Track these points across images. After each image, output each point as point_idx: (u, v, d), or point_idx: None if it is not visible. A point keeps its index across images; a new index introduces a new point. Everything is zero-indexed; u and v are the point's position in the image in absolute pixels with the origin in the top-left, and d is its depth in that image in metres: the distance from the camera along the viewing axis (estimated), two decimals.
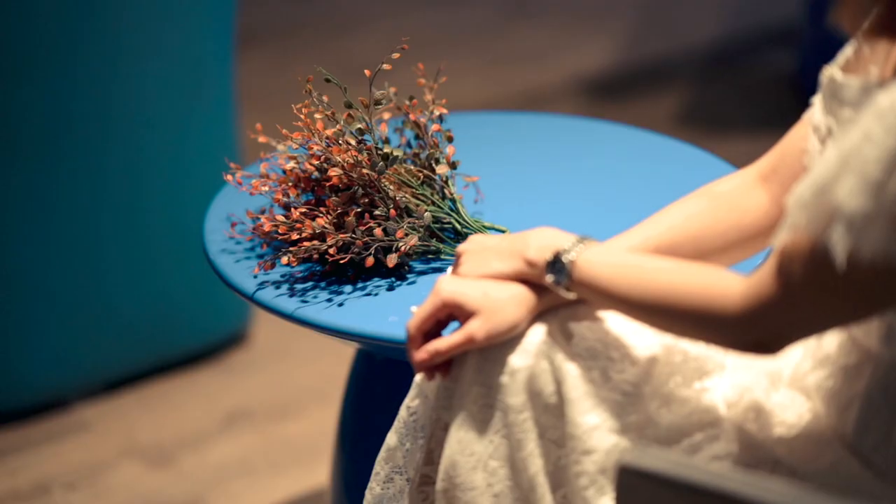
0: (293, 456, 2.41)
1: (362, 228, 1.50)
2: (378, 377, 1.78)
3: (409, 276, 1.54)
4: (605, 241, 1.36)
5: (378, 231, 1.49)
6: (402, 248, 1.50)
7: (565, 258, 1.25)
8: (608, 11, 4.49)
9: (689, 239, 1.37)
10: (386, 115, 1.64)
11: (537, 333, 1.28)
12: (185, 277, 2.53)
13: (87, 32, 2.27)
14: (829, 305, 1.11)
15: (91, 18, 2.26)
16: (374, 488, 1.37)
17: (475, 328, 1.26)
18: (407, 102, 1.62)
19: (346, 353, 2.30)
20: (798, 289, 1.11)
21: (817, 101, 1.29)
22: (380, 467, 1.37)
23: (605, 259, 1.24)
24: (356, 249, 1.50)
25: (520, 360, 1.26)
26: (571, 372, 1.26)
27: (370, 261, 1.50)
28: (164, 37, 2.36)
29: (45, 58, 2.24)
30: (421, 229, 1.53)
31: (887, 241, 1.04)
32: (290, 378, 2.63)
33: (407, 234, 1.51)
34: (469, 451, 1.27)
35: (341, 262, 1.51)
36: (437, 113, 1.61)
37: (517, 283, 1.28)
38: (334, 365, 2.58)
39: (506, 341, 1.27)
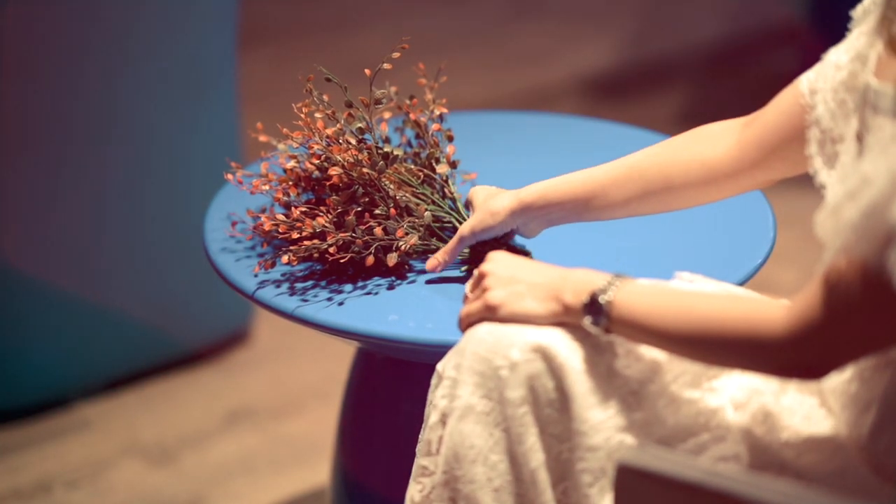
0: (294, 454, 2.41)
1: (362, 227, 1.50)
2: (378, 376, 1.78)
3: (409, 274, 1.54)
4: (587, 169, 1.48)
5: (378, 230, 1.50)
6: (403, 248, 1.50)
7: (602, 299, 1.25)
8: (610, 11, 4.49)
9: (658, 164, 1.44)
10: (387, 115, 1.64)
11: (541, 328, 1.28)
12: (187, 276, 2.53)
13: (90, 32, 2.27)
14: (879, 326, 1.11)
15: (94, 18, 2.26)
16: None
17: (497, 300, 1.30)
18: (407, 101, 1.62)
19: (346, 351, 2.31)
20: (847, 311, 1.11)
21: (825, 95, 1.29)
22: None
23: (642, 296, 1.24)
24: (356, 248, 1.50)
25: (521, 353, 1.26)
26: (576, 367, 1.26)
27: (370, 260, 1.50)
28: (166, 36, 2.36)
29: (48, 57, 2.25)
30: (421, 228, 1.53)
31: None
32: (291, 377, 2.63)
33: (407, 234, 1.51)
34: (469, 444, 1.27)
35: (342, 261, 1.52)
36: (437, 112, 1.61)
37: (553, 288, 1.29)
38: (335, 364, 2.59)
39: (508, 333, 1.27)
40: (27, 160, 2.30)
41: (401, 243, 1.50)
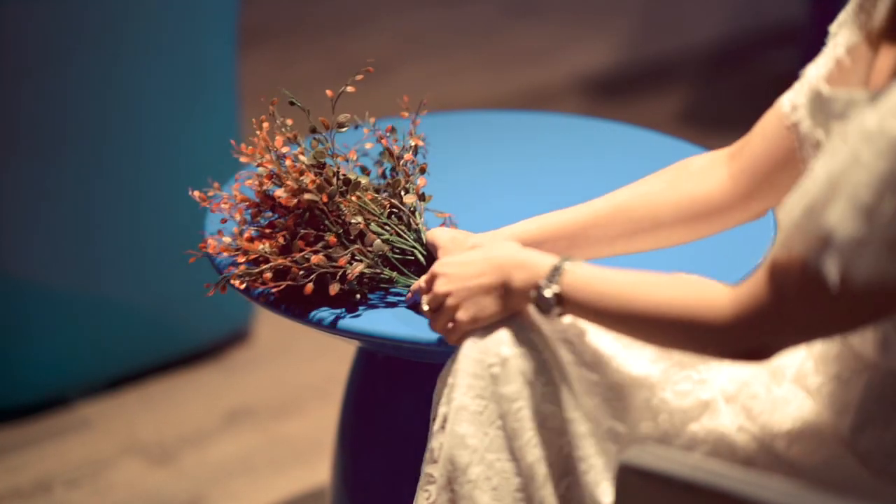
0: (294, 454, 2.41)
1: (300, 254, 1.43)
2: (378, 375, 1.78)
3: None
4: (569, 208, 1.44)
5: (315, 258, 1.43)
6: (349, 276, 1.43)
7: (547, 292, 1.26)
8: (610, 10, 4.49)
9: (646, 204, 1.42)
10: (368, 146, 1.58)
11: (528, 322, 1.29)
12: (187, 276, 2.53)
13: (89, 31, 2.27)
14: (821, 317, 1.12)
15: (93, 17, 2.27)
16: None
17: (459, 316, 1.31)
18: (386, 132, 1.54)
19: (347, 351, 2.31)
20: (789, 301, 1.13)
21: (804, 109, 1.30)
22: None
23: (588, 282, 1.25)
24: (293, 276, 1.44)
25: (511, 349, 1.27)
26: (564, 357, 1.27)
27: (309, 288, 1.43)
28: (167, 35, 2.37)
29: (47, 56, 2.25)
30: (370, 257, 1.46)
31: (881, 262, 1.04)
32: (291, 376, 2.63)
33: (352, 262, 1.45)
34: (464, 444, 1.28)
35: (274, 289, 1.45)
36: (412, 143, 1.54)
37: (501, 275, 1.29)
38: (335, 363, 2.59)
39: (497, 331, 1.28)
40: (27, 159, 2.30)
41: (347, 272, 1.44)
